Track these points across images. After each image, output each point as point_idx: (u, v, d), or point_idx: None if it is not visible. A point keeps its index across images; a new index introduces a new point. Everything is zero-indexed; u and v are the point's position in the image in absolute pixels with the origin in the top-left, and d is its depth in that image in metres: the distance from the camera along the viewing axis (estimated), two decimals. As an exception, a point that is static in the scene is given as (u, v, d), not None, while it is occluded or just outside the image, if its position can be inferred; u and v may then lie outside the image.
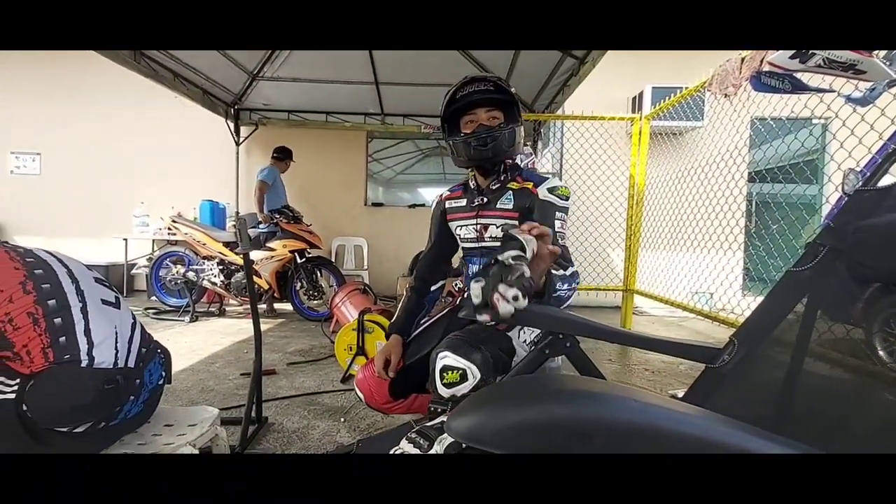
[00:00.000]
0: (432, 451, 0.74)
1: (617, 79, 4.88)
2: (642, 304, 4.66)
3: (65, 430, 1.02)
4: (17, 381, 0.99)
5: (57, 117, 5.61)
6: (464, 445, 0.47)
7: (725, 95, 2.28)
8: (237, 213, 4.08)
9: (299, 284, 3.91)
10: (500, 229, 1.29)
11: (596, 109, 3.99)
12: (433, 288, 1.47)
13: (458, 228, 1.40)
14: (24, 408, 0.97)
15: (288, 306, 4.13)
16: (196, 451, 1.20)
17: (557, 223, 1.16)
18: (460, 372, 1.01)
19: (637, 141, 3.85)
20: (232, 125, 5.20)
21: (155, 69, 3.96)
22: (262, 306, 4.23)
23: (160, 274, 4.18)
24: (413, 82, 4.50)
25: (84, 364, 1.02)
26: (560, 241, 1.16)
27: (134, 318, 1.22)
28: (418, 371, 1.27)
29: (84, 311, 1.07)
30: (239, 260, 3.78)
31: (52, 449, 1.03)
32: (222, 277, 3.87)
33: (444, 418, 0.87)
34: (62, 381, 0.99)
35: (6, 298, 1.00)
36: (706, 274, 3.25)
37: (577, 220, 4.48)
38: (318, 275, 3.90)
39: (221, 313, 4.22)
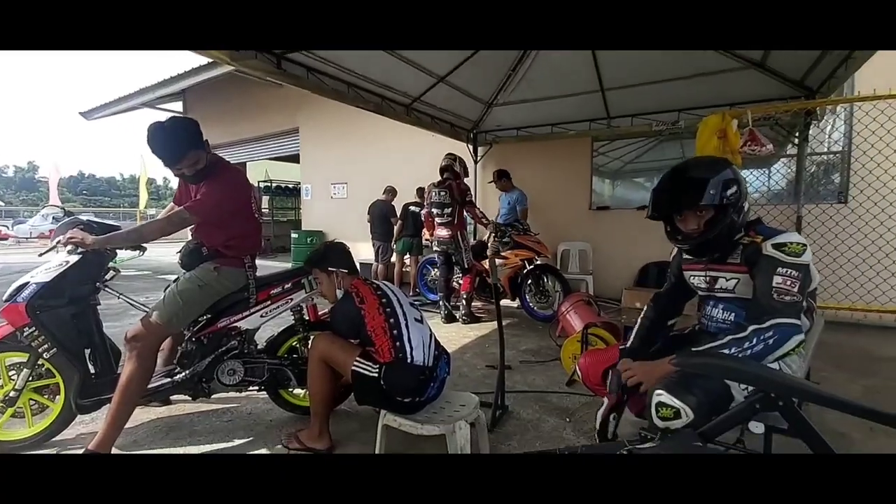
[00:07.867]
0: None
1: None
2: None
3: (400, 399, 1.67)
4: (378, 366, 1.68)
5: (357, 155, 7.77)
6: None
7: None
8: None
9: (527, 288, 4.41)
10: (729, 282, 1.37)
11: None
12: (670, 322, 1.63)
13: (692, 278, 1.53)
14: (382, 382, 1.66)
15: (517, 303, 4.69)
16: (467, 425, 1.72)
17: (778, 279, 1.19)
18: (674, 410, 1.16)
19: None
20: (471, 147, 6.14)
21: (419, 117, 5.10)
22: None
23: (423, 273, 5.37)
24: (639, 82, 4.38)
25: (409, 361, 1.65)
26: (780, 297, 1.18)
27: (430, 329, 1.83)
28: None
29: (407, 326, 1.71)
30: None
31: (392, 407, 1.70)
32: (467, 280, 4.72)
33: (652, 444, 1.08)
34: (400, 370, 1.64)
35: (372, 316, 1.71)
36: None
37: (868, 224, 3.76)
38: (545, 280, 4.31)
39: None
